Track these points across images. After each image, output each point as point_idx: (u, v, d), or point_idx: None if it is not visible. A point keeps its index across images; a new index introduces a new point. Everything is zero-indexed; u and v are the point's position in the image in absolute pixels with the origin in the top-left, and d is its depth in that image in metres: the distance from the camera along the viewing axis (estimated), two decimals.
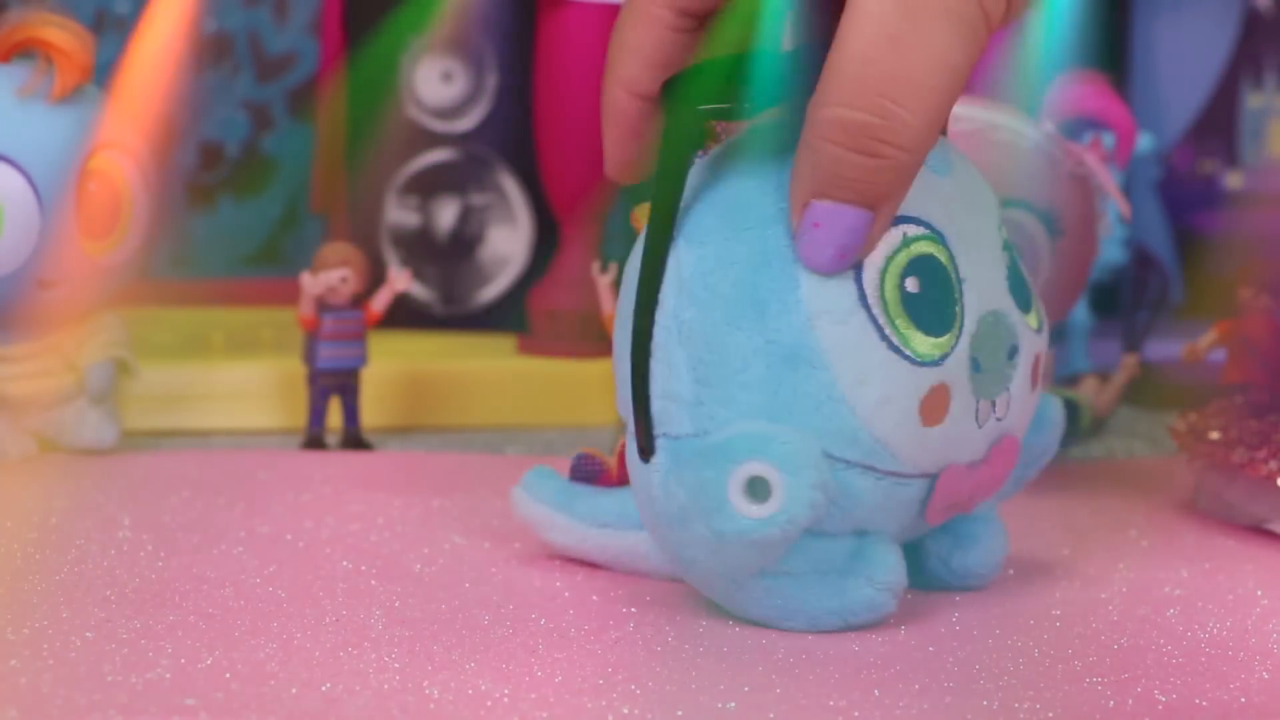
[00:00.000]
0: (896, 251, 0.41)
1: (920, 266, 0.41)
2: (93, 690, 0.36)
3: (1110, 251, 0.82)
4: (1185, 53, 0.94)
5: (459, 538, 0.51)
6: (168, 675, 0.37)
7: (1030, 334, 0.44)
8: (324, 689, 0.37)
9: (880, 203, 0.40)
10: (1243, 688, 0.39)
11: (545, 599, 0.45)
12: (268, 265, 0.97)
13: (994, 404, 0.43)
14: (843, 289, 0.41)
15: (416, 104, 0.83)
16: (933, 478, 0.42)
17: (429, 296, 0.83)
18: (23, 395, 0.61)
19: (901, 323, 0.41)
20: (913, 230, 0.41)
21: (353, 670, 0.38)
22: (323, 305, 0.64)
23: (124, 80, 0.61)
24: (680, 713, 0.36)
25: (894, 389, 0.41)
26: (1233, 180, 0.95)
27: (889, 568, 0.43)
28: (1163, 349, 0.76)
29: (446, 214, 0.84)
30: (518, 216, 0.84)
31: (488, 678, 0.38)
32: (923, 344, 0.41)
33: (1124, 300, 0.85)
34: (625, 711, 0.36)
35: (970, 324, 0.42)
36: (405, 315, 0.80)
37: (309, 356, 0.65)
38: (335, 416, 0.66)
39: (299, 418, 0.67)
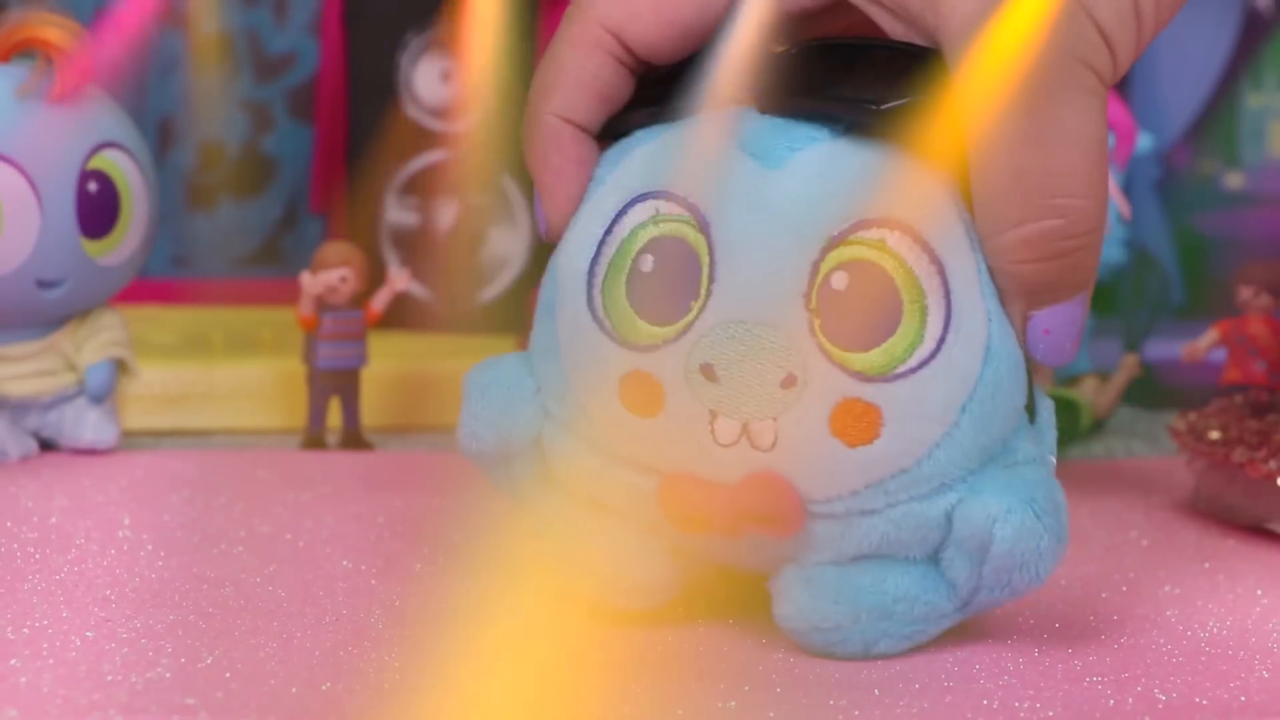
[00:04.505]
0: (643, 226, 0.40)
1: (662, 248, 0.40)
2: (93, 690, 0.36)
3: (1110, 251, 0.82)
4: (1185, 53, 0.94)
5: (459, 538, 0.51)
6: (168, 675, 0.37)
7: (843, 376, 0.38)
8: (324, 689, 0.37)
9: (1089, 283, 0.40)
10: (1243, 687, 0.39)
11: (545, 599, 0.45)
12: (268, 265, 0.97)
13: (747, 426, 0.39)
14: (582, 246, 0.41)
15: (416, 104, 0.84)
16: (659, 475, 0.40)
17: (428, 296, 0.83)
18: (23, 395, 0.61)
19: (615, 296, 0.40)
20: (666, 208, 0.40)
21: (353, 670, 0.38)
22: (323, 305, 0.64)
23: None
24: (680, 712, 0.36)
25: (593, 359, 0.40)
26: (1233, 180, 0.95)
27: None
28: (1163, 349, 0.76)
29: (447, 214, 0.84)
30: (518, 216, 0.84)
31: (487, 678, 0.38)
32: (630, 325, 0.40)
33: (1124, 300, 0.85)
34: (625, 711, 0.36)
35: (705, 324, 0.39)
36: (405, 315, 0.80)
37: (309, 356, 0.65)
38: (335, 416, 0.66)
39: (299, 418, 0.67)
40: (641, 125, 0.42)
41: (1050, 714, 0.37)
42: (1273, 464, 0.52)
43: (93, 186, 0.60)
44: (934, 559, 0.40)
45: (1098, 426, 0.71)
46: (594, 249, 0.41)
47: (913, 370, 0.38)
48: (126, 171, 0.61)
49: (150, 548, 0.48)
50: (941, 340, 0.38)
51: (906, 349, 0.38)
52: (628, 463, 0.41)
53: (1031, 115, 0.38)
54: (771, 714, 0.36)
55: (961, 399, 0.39)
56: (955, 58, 0.38)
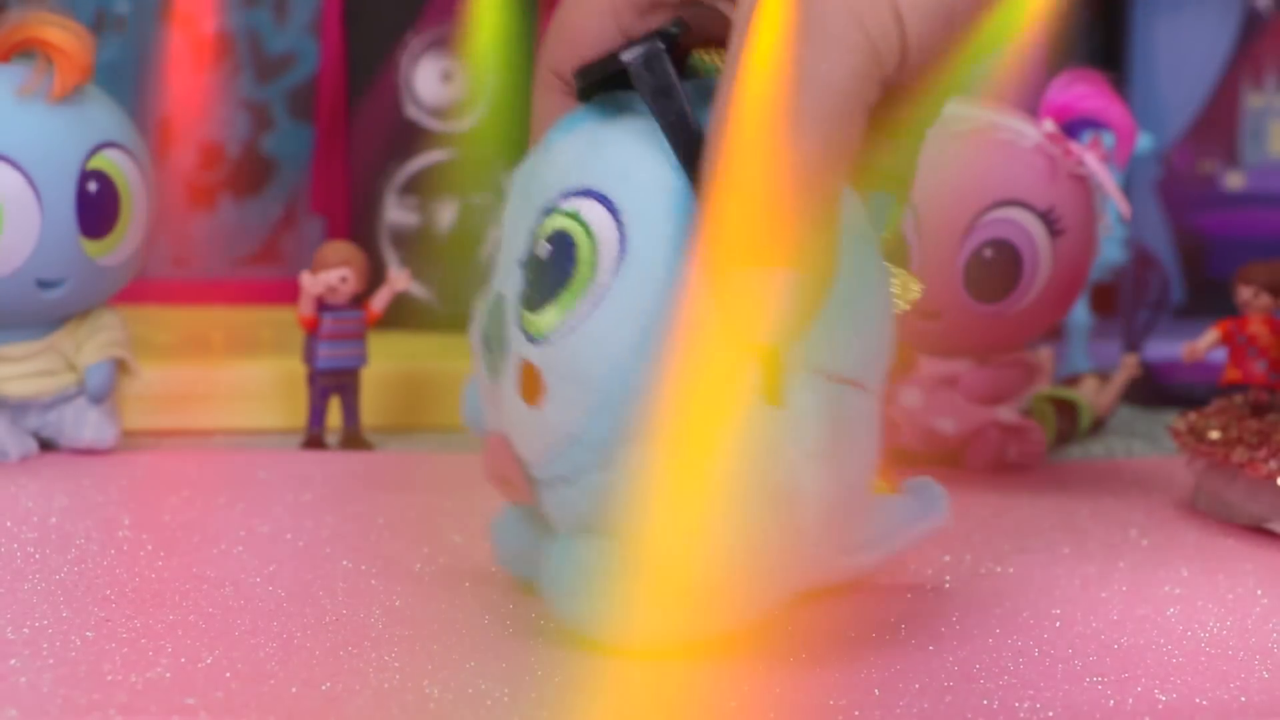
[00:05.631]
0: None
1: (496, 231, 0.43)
2: (93, 690, 0.36)
3: (1110, 251, 0.82)
4: (1185, 53, 0.94)
5: (459, 538, 0.51)
6: (168, 675, 0.37)
7: (521, 339, 0.40)
8: (324, 689, 0.37)
9: (798, 256, 0.37)
10: (1243, 687, 0.39)
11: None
12: (268, 265, 0.97)
13: (496, 390, 0.41)
14: None
15: (416, 104, 0.83)
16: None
17: (428, 296, 0.83)
18: (23, 395, 0.61)
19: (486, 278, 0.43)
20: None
21: (353, 670, 0.38)
22: (322, 305, 0.64)
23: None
24: (680, 713, 0.36)
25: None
26: (1233, 180, 0.95)
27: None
28: (1163, 349, 0.76)
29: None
30: None
31: (488, 678, 0.38)
32: (480, 300, 0.43)
33: (1124, 300, 0.85)
34: (625, 711, 0.36)
35: (489, 296, 0.42)
36: (405, 315, 0.80)
37: (309, 356, 0.65)
38: (335, 416, 0.66)
39: (299, 418, 0.67)
40: None
41: (1050, 714, 0.37)
42: (1273, 464, 0.52)
43: (93, 186, 0.60)
44: None
45: (1098, 426, 0.71)
46: None
47: (564, 334, 0.38)
48: (126, 171, 0.61)
49: (150, 548, 0.48)
50: (594, 306, 0.38)
51: (563, 313, 0.38)
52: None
53: (788, 53, 0.37)
54: (772, 714, 0.36)
55: (611, 365, 0.38)
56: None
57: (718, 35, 0.40)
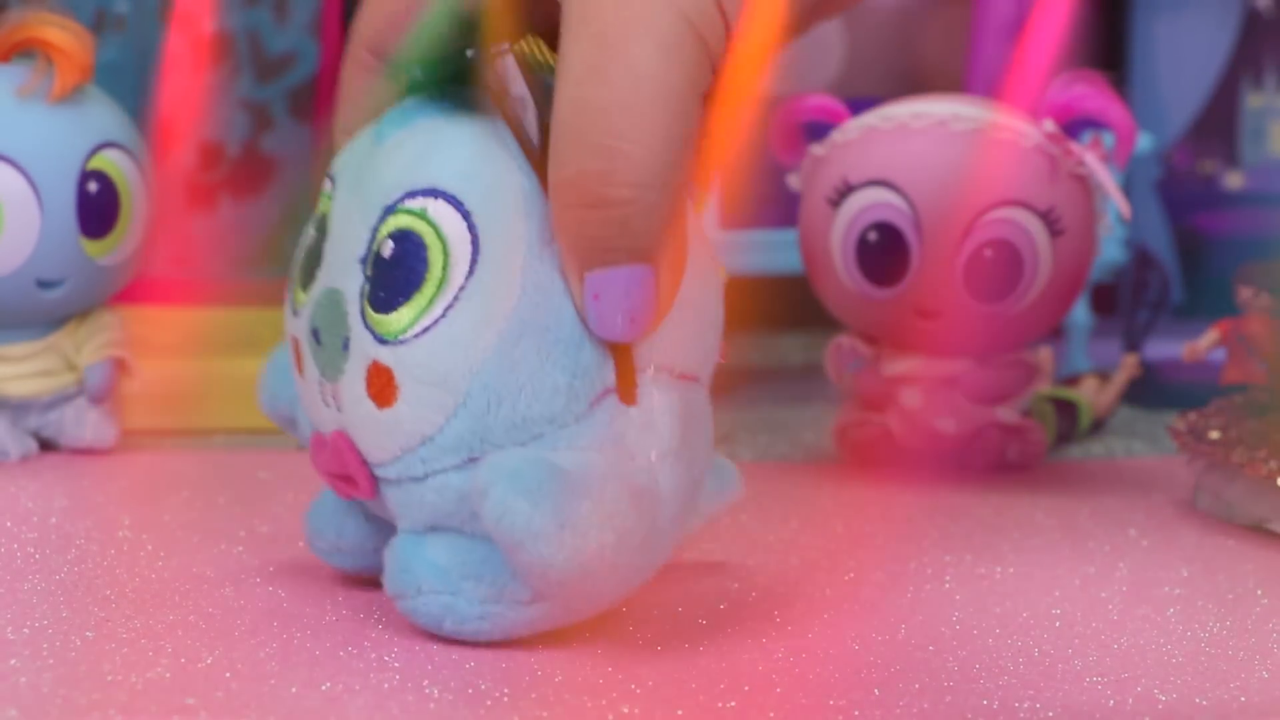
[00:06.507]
0: (319, 201, 0.42)
1: (316, 220, 0.42)
2: (93, 690, 0.36)
3: (1110, 251, 0.82)
4: (1185, 53, 0.95)
5: None
6: (168, 675, 0.37)
7: (370, 339, 0.39)
8: (324, 689, 0.37)
9: (649, 251, 0.37)
10: (1243, 687, 0.39)
11: None
12: (268, 265, 0.97)
13: (333, 389, 0.40)
14: None
15: None
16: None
17: None
18: (23, 395, 0.61)
19: (296, 267, 0.42)
20: (327, 184, 0.42)
21: (353, 670, 0.38)
22: None
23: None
24: (680, 712, 0.36)
25: (287, 325, 0.42)
26: (1233, 180, 0.96)
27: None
28: (1163, 349, 0.76)
29: None
30: None
31: (488, 678, 0.38)
32: (295, 291, 0.42)
33: (1124, 300, 0.85)
34: (625, 711, 0.36)
35: (316, 292, 0.41)
36: None
37: None
38: None
39: None
40: None
41: (1050, 714, 0.37)
42: (1273, 464, 0.52)
43: (93, 186, 0.60)
44: None
45: (1098, 426, 0.71)
46: None
47: (418, 335, 0.38)
48: (126, 171, 0.61)
49: (150, 548, 0.48)
50: (449, 308, 0.38)
51: (416, 315, 0.38)
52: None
53: (602, 48, 0.37)
54: (771, 714, 0.36)
55: (470, 367, 0.38)
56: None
57: (542, 17, 0.40)
